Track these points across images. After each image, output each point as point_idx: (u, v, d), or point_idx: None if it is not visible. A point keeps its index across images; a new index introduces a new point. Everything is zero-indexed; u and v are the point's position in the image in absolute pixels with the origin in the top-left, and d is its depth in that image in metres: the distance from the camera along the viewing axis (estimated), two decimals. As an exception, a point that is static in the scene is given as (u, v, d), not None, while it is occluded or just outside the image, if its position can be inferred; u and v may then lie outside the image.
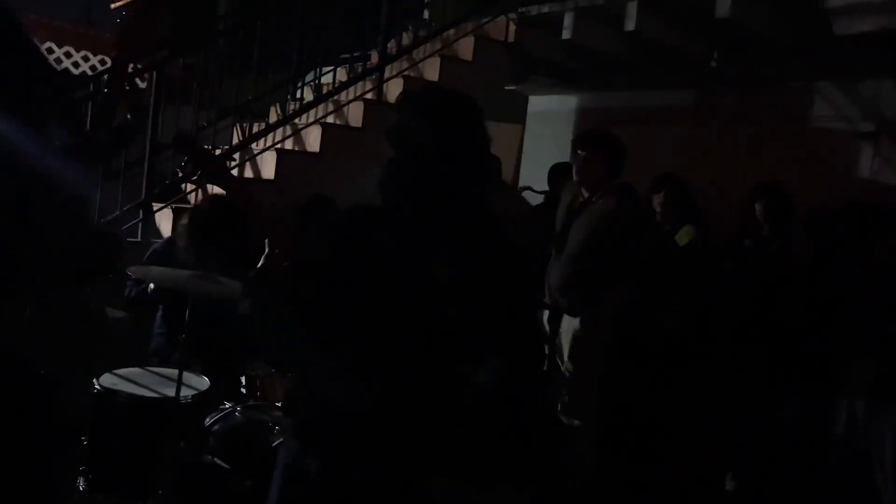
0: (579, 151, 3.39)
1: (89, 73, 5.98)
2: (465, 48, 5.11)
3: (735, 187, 4.26)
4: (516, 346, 1.82)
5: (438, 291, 1.60)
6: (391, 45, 5.17)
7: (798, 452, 3.37)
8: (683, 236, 3.93)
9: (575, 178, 3.42)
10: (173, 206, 4.26)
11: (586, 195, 3.40)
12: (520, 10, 5.01)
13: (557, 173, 4.83)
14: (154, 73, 4.18)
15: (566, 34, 4.76)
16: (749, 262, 3.72)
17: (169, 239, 3.48)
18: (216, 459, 2.71)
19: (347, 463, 1.66)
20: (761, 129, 4.91)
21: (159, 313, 3.40)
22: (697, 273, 3.74)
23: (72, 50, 6.12)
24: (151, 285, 3.21)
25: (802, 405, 3.40)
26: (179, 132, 4.02)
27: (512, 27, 5.09)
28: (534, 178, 5.77)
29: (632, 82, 5.61)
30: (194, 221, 3.23)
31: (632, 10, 4.41)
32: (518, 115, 6.80)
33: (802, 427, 3.37)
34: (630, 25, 4.43)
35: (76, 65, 6.13)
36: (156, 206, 4.19)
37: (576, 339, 3.38)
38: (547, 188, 4.92)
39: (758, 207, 3.87)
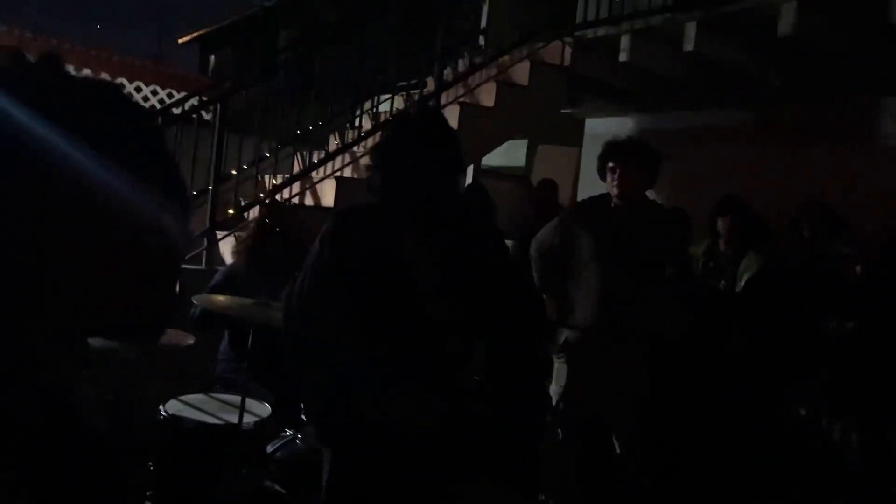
0: (612, 164, 3.17)
1: (157, 106, 6.21)
2: (521, 73, 5.13)
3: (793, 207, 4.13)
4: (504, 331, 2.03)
5: (424, 274, 1.89)
6: (447, 73, 5.23)
7: (857, 479, 3.24)
8: (752, 263, 3.81)
9: (615, 191, 3.18)
10: (236, 234, 4.37)
11: (619, 202, 3.20)
12: (575, 33, 5.00)
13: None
14: (218, 105, 4.32)
15: (623, 56, 4.72)
16: (798, 281, 3.60)
17: (231, 266, 3.56)
18: (277, 486, 2.74)
19: (358, 449, 1.89)
20: (825, 146, 4.76)
21: (225, 339, 3.48)
22: (765, 302, 3.62)
23: (142, 84, 6.39)
24: (197, 309, 3.30)
25: (860, 429, 3.27)
26: (272, 201, 4.22)
27: (568, 51, 5.08)
28: (591, 201, 5.71)
29: (690, 102, 5.52)
30: (258, 226, 3.50)
31: (690, 30, 4.35)
32: (575, 138, 6.76)
33: (861, 452, 3.24)
34: (689, 46, 4.37)
35: (146, 98, 6.39)
36: (220, 234, 4.31)
37: (615, 355, 3.19)
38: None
39: (804, 225, 3.81)
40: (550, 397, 3.28)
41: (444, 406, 1.92)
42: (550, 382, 3.32)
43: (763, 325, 3.62)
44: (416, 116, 2.28)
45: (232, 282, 3.32)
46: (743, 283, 3.81)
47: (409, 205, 1.98)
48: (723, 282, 3.94)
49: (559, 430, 3.33)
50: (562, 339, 3.30)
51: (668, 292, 3.30)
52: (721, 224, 4.00)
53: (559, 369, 3.30)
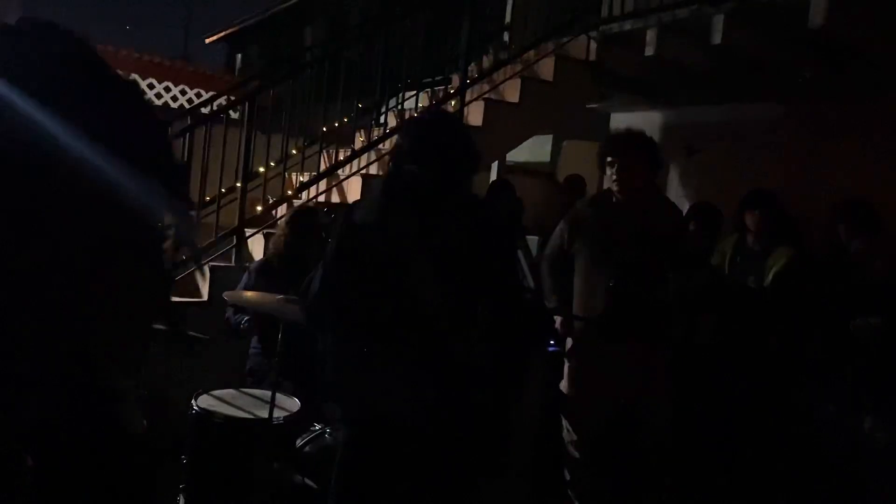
0: (610, 159, 3.12)
1: (186, 105, 6.30)
2: (546, 69, 5.11)
3: (829, 204, 4.07)
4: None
5: (419, 262, 2.01)
6: (472, 69, 5.23)
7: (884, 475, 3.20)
8: (780, 257, 3.77)
9: (615, 187, 3.13)
10: (265, 231, 4.42)
11: (621, 198, 3.15)
12: (601, 28, 4.97)
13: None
14: (246, 104, 4.37)
15: (649, 50, 4.68)
16: (826, 277, 3.54)
17: (265, 263, 3.59)
18: (307, 480, 2.77)
19: (362, 432, 2.11)
20: (859, 142, 4.68)
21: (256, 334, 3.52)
22: (796, 296, 3.57)
23: (171, 84, 6.48)
24: (245, 319, 3.34)
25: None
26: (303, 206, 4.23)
27: (593, 45, 5.05)
28: (618, 196, 5.68)
29: (718, 96, 5.46)
30: (294, 218, 3.56)
31: (718, 23, 4.29)
32: (600, 132, 6.72)
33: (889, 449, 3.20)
34: (716, 39, 4.31)
35: (175, 98, 6.48)
36: (248, 231, 4.36)
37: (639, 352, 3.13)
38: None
39: (840, 225, 3.74)
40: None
41: (433, 394, 2.01)
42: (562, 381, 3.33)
43: (791, 320, 3.58)
44: (422, 118, 2.44)
45: (265, 279, 3.36)
46: (770, 277, 3.76)
47: (410, 197, 2.10)
48: (751, 277, 3.90)
49: (570, 430, 3.30)
50: (569, 343, 3.29)
51: (681, 290, 3.23)
52: (749, 219, 3.95)
53: (569, 369, 3.29)
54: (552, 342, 4.10)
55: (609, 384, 3.13)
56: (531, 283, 4.51)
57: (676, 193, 5.69)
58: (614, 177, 3.11)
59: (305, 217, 3.63)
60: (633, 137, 3.18)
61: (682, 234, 3.35)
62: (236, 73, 9.12)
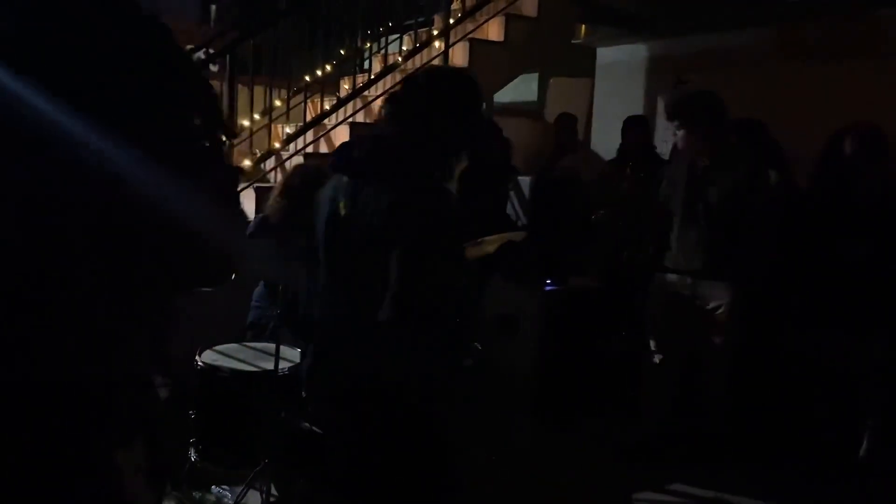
0: (676, 124, 3.22)
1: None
2: (530, 4, 5.03)
3: (825, 130, 4.03)
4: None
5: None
6: (455, 8, 5.12)
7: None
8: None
9: (682, 152, 3.30)
10: (255, 186, 4.38)
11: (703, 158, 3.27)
12: (584, -41, 4.87)
13: (632, 127, 4.71)
14: (227, 56, 4.28)
15: (634, -20, 4.60)
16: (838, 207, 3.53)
17: (266, 218, 3.51)
18: (314, 427, 2.82)
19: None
20: (851, 64, 4.63)
21: (260, 286, 3.51)
22: (781, 220, 3.59)
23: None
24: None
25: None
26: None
27: (577, -23, 4.96)
28: (606, 132, 5.65)
29: (705, 24, 5.38)
30: (290, 182, 3.41)
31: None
32: (586, 68, 6.64)
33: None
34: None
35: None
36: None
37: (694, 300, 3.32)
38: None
39: (848, 149, 3.69)
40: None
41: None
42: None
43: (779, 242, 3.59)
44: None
45: (266, 232, 3.33)
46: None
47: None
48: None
49: (656, 359, 3.50)
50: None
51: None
52: None
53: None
54: (549, 282, 4.15)
55: (690, 324, 3.35)
56: (523, 222, 4.53)
57: (665, 126, 5.65)
58: (677, 142, 3.27)
59: (301, 181, 3.49)
60: (694, 101, 3.26)
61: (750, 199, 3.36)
62: (212, 26, 8.88)
